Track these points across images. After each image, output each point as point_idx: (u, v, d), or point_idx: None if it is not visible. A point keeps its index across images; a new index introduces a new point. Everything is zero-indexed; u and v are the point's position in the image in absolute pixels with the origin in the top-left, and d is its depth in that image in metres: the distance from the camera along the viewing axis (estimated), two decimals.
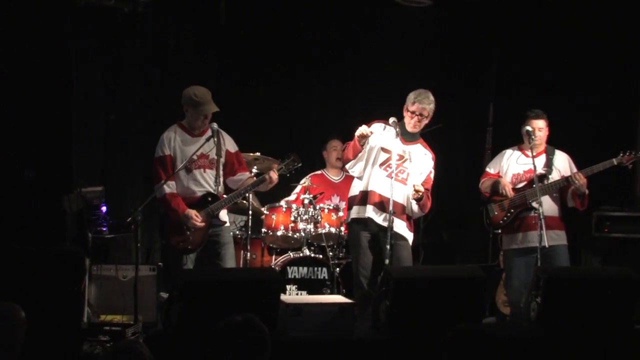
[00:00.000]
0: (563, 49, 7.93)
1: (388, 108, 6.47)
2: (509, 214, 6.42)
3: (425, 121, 6.16)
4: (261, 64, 8.13)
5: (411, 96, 6.12)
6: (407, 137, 6.16)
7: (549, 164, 6.45)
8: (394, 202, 5.88)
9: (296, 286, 6.73)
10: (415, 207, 6.15)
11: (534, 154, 6.29)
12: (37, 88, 6.82)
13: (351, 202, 6.30)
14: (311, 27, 8.21)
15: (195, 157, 6.05)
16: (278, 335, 4.74)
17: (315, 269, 6.79)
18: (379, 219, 6.08)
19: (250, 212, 6.41)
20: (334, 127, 7.95)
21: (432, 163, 6.28)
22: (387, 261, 5.80)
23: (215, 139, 6.10)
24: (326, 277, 6.77)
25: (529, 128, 6.35)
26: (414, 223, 6.34)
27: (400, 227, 6.07)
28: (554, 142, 6.54)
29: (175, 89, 6.38)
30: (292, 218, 6.86)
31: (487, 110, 8.23)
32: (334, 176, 7.66)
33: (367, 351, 5.02)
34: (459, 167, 8.38)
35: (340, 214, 6.90)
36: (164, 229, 6.15)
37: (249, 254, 6.43)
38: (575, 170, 6.39)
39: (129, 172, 7.67)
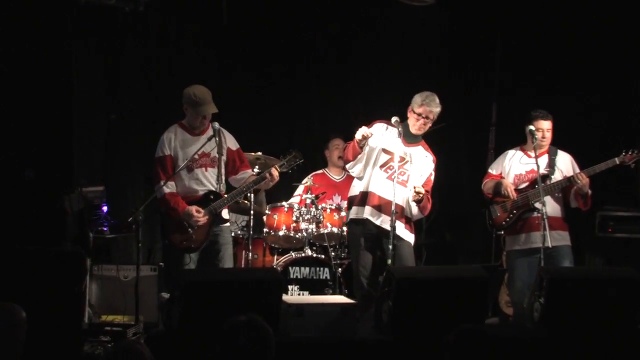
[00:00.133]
0: (566, 48, 7.92)
1: (390, 107, 6.46)
2: (511, 215, 6.40)
3: (430, 124, 6.15)
4: (262, 63, 8.12)
5: (418, 99, 6.10)
6: (409, 138, 6.15)
7: (551, 164, 6.43)
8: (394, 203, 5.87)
9: (298, 286, 6.72)
10: (415, 209, 6.15)
11: (537, 154, 6.27)
12: (38, 87, 6.82)
13: (350, 203, 6.30)
14: (312, 26, 8.20)
15: (196, 156, 6.04)
16: (280, 335, 4.71)
17: (317, 269, 6.77)
18: (377, 220, 6.09)
19: (252, 212, 6.39)
20: (335, 126, 7.94)
21: (432, 165, 6.27)
22: (389, 261, 5.79)
23: (217, 138, 6.09)
24: (328, 278, 6.76)
25: (532, 127, 6.33)
26: (415, 224, 6.33)
27: (399, 228, 6.05)
28: (557, 142, 6.52)
29: (176, 88, 6.37)
30: (294, 218, 6.84)
31: (490, 109, 8.22)
32: (335, 175, 7.64)
33: (369, 352, 5.00)
34: (462, 167, 8.37)
35: (343, 213, 6.87)
36: (166, 228, 6.13)
37: (250, 254, 6.41)
38: (577, 170, 6.38)
39: (130, 172, 7.66)
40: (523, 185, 6.44)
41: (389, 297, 5.06)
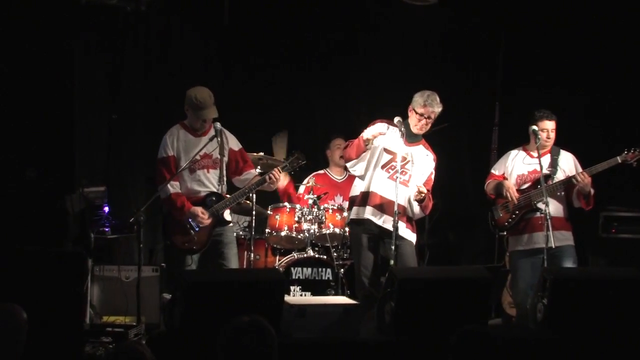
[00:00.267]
0: (569, 47, 7.91)
1: (392, 107, 6.44)
2: (513, 216, 6.39)
3: (431, 123, 6.14)
4: (264, 63, 8.10)
5: (419, 99, 6.08)
6: (409, 138, 6.14)
7: (553, 164, 6.41)
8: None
9: (300, 287, 6.70)
10: (416, 208, 6.15)
11: (540, 154, 6.24)
12: (39, 87, 6.82)
13: (352, 203, 6.30)
14: (314, 26, 8.18)
15: (198, 157, 6.03)
16: (282, 336, 4.70)
17: (320, 269, 6.76)
18: (379, 220, 6.08)
19: (253, 212, 6.37)
20: (337, 126, 7.92)
21: (433, 164, 6.27)
22: (392, 262, 5.77)
23: (219, 139, 6.08)
24: (330, 278, 6.74)
25: (536, 128, 6.31)
26: (417, 224, 6.32)
27: (401, 228, 6.03)
28: (559, 141, 6.50)
29: (178, 88, 6.37)
30: (296, 218, 6.83)
31: (493, 109, 8.20)
32: (337, 176, 7.62)
33: (371, 352, 4.99)
34: (464, 168, 8.35)
35: (345, 214, 6.86)
36: (168, 229, 6.13)
37: (252, 255, 6.40)
38: (580, 169, 6.36)
39: (132, 172, 7.65)
40: (525, 186, 6.42)
41: (391, 297, 5.05)
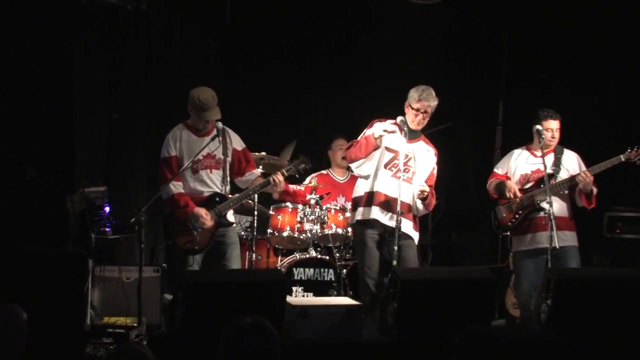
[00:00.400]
0: (572, 46, 7.92)
1: (394, 107, 6.41)
2: (517, 216, 6.36)
3: (428, 118, 6.10)
4: (266, 62, 8.09)
5: (414, 94, 6.06)
6: (410, 134, 6.11)
7: (557, 163, 6.39)
8: (401, 201, 5.82)
9: (302, 288, 6.68)
10: (420, 205, 6.13)
11: (544, 153, 6.21)
12: (40, 86, 6.80)
13: (356, 204, 6.25)
14: (316, 25, 8.18)
15: (200, 157, 6.00)
16: (284, 337, 4.68)
17: (322, 270, 6.74)
18: (385, 219, 6.04)
19: (255, 212, 6.34)
20: (338, 126, 7.91)
21: (435, 159, 6.25)
22: (394, 262, 5.74)
23: (221, 138, 6.05)
24: (333, 279, 6.73)
25: (540, 127, 6.28)
26: (420, 224, 6.30)
27: (407, 226, 6.03)
28: (563, 141, 6.47)
29: (179, 88, 6.35)
30: (298, 219, 6.81)
31: (497, 109, 8.17)
32: (339, 176, 7.59)
33: (374, 354, 4.99)
34: (468, 167, 8.35)
35: (347, 214, 6.83)
36: (170, 229, 6.10)
37: (254, 255, 6.38)
38: (584, 168, 6.33)
39: (133, 172, 7.64)
40: (529, 185, 6.40)
41: (394, 298, 5.03)
